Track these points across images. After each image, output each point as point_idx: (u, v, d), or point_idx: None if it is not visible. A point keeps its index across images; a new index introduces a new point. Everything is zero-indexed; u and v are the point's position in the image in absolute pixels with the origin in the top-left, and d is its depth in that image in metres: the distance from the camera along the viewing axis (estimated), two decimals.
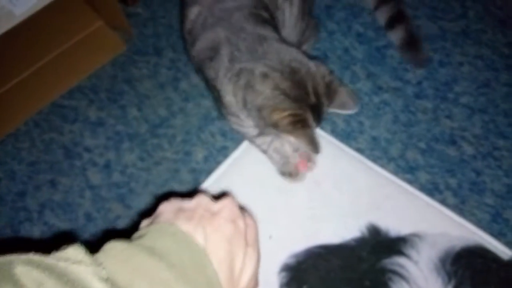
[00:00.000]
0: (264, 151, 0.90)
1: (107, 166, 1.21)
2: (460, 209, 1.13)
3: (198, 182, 0.88)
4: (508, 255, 0.80)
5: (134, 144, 1.24)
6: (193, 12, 0.93)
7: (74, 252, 0.35)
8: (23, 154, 1.23)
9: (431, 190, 1.14)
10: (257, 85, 0.80)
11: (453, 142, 1.22)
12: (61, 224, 1.15)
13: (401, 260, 0.76)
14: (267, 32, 0.89)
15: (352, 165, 0.92)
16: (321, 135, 0.92)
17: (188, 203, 0.47)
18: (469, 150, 1.21)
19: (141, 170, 1.20)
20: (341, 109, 0.86)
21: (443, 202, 1.14)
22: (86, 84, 1.32)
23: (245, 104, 0.83)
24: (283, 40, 0.90)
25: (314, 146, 0.79)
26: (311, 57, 0.86)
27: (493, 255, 0.79)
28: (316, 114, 0.81)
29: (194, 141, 1.24)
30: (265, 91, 0.79)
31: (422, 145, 1.22)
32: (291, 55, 0.83)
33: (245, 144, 0.92)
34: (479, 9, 1.45)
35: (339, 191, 0.88)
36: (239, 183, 0.87)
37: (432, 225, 0.83)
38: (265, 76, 0.80)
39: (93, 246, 0.39)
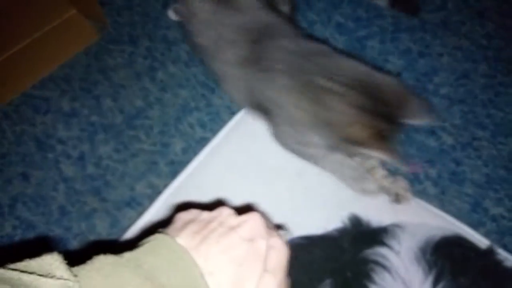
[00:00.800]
0: (335, 171, 0.88)
1: (81, 158, 1.18)
2: (440, 199, 1.14)
3: (176, 174, 0.86)
4: (486, 244, 0.80)
5: (109, 135, 1.20)
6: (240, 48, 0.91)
7: (50, 261, 0.33)
8: None
9: (412, 180, 1.14)
10: (331, 102, 0.78)
11: (432, 133, 1.22)
12: (34, 218, 1.11)
13: (383, 250, 0.76)
14: (320, 46, 0.88)
15: None
16: None
17: (204, 215, 0.43)
18: (448, 140, 1.21)
19: (116, 162, 1.17)
20: (415, 120, 0.84)
21: (424, 192, 1.15)
22: (59, 74, 1.28)
23: (317, 121, 0.81)
24: (341, 53, 0.89)
25: (397, 157, 0.77)
26: (380, 69, 0.85)
27: (471, 244, 0.80)
28: (392, 126, 0.79)
29: (172, 133, 1.21)
30: (340, 107, 0.77)
31: (402, 135, 1.22)
32: (361, 68, 0.81)
33: (224, 132, 0.90)
34: (458, 1, 1.46)
35: (321, 182, 0.87)
36: (219, 173, 0.85)
37: (412, 215, 0.83)
38: (339, 91, 0.78)
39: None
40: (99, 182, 1.15)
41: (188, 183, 0.85)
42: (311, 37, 0.96)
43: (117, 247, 0.38)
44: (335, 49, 0.91)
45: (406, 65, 1.33)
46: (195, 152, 1.15)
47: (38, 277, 0.31)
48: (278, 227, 0.50)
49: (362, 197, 0.87)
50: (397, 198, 0.88)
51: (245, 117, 0.92)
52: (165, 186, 0.85)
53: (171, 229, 0.41)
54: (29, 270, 0.32)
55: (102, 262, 0.35)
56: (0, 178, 1.16)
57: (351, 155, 0.87)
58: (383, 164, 0.93)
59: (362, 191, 0.88)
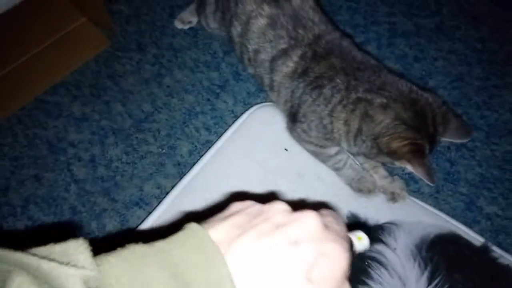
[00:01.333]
0: (338, 169, 0.93)
1: (92, 160, 1.22)
2: (435, 198, 1.17)
3: (183, 175, 0.89)
4: (480, 241, 0.83)
5: (118, 138, 1.24)
6: (296, 55, 0.92)
7: (75, 245, 0.31)
8: (5, 150, 1.22)
9: (407, 180, 1.18)
10: (376, 115, 0.81)
11: None
12: (46, 218, 1.15)
13: (379, 247, 0.77)
14: (372, 60, 0.91)
15: None
16: None
17: (255, 207, 0.38)
18: (443, 141, 1.25)
19: (126, 164, 1.21)
20: (454, 139, 0.88)
21: (419, 191, 1.18)
22: (70, 80, 1.32)
23: (359, 132, 0.84)
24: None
25: (431, 175, 0.80)
26: (423, 88, 0.88)
27: (466, 241, 0.81)
28: (431, 143, 0.82)
29: (178, 135, 1.25)
30: (385, 121, 0.80)
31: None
32: (407, 86, 0.84)
33: (227, 135, 0.93)
34: (453, 6, 1.50)
35: (322, 183, 0.90)
36: (223, 174, 0.88)
37: (407, 214, 0.86)
38: (385, 106, 0.81)
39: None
40: (109, 183, 1.19)
41: (194, 184, 0.87)
42: (352, 41, 0.97)
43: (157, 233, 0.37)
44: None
45: (402, 69, 1.36)
46: (200, 154, 1.20)
47: (58, 265, 0.29)
48: (359, 227, 0.44)
49: (360, 197, 0.91)
50: (393, 197, 0.92)
51: (247, 120, 0.95)
52: (172, 186, 0.88)
53: (216, 217, 0.38)
54: (51, 256, 0.30)
55: (131, 251, 0.33)
56: (13, 180, 1.19)
57: (387, 163, 0.89)
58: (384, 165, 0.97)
59: (359, 191, 0.91)
